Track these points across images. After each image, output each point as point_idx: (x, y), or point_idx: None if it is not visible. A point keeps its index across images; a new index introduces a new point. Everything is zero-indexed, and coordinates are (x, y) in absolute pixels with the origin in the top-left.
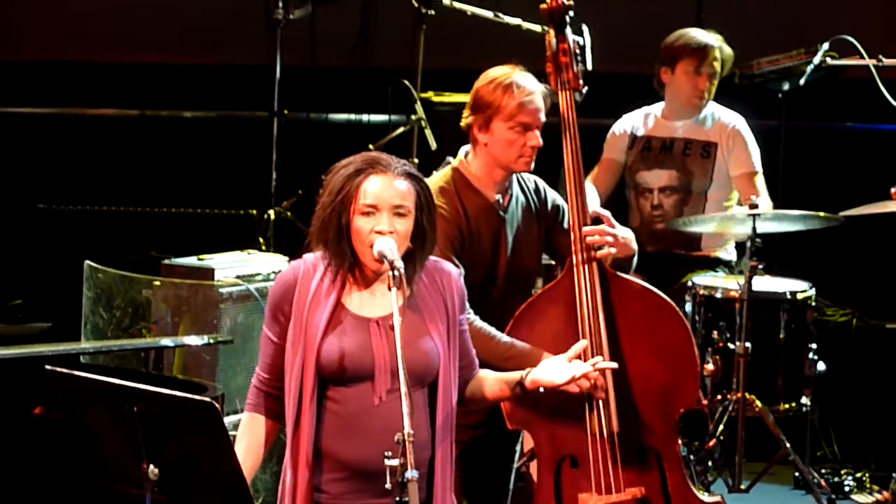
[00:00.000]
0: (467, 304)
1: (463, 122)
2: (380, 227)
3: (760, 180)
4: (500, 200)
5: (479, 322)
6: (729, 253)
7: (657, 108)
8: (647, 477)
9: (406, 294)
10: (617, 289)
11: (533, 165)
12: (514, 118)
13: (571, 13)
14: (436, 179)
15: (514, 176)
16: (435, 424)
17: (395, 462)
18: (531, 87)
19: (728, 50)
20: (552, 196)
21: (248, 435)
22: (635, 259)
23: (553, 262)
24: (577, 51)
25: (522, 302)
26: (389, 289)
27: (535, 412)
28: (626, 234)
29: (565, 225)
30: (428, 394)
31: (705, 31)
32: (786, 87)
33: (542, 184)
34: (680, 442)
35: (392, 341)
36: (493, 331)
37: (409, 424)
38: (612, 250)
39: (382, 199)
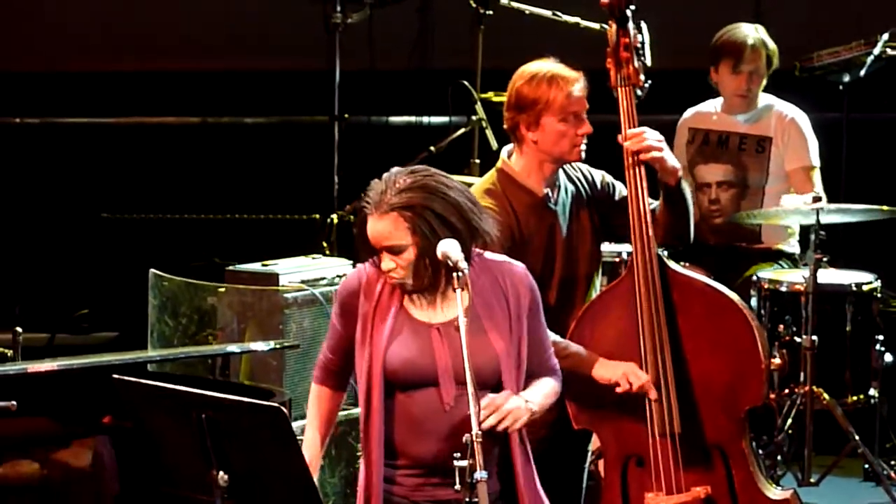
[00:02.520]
0: (540, 302)
1: (507, 124)
2: (383, 266)
3: (817, 175)
4: (550, 194)
5: None
6: (791, 245)
7: (718, 102)
8: (713, 475)
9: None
10: (679, 286)
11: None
12: (565, 110)
13: (633, 7)
14: (481, 182)
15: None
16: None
17: (464, 463)
18: (572, 76)
19: (771, 45)
20: (599, 176)
21: (316, 405)
22: (684, 185)
23: (616, 260)
24: (639, 46)
25: (582, 297)
26: (454, 290)
27: (600, 412)
28: (668, 154)
29: (616, 197)
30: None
31: (749, 26)
32: (846, 78)
33: (585, 167)
34: (746, 439)
35: (453, 347)
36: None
37: (476, 426)
38: (658, 154)
39: (374, 242)
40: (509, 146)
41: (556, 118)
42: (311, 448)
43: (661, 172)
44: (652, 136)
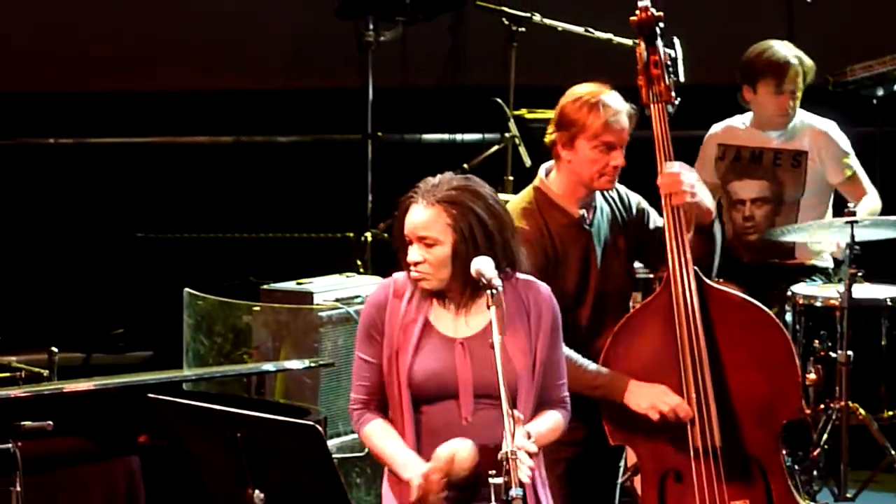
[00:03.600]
0: (560, 325)
1: (547, 138)
2: (410, 258)
3: (862, 176)
4: (585, 215)
5: (566, 349)
6: (825, 260)
7: (747, 118)
8: (751, 490)
9: (487, 314)
10: (715, 301)
11: (615, 184)
12: (598, 137)
13: (662, 25)
14: (517, 200)
15: None
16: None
17: (500, 480)
18: (617, 107)
19: (808, 62)
20: (635, 200)
21: (383, 433)
22: (716, 227)
23: (651, 276)
24: (669, 62)
25: (615, 318)
26: (488, 307)
27: (636, 427)
28: (704, 193)
29: (650, 226)
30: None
31: (782, 45)
32: (880, 92)
33: (623, 189)
34: (784, 452)
35: (475, 362)
36: (580, 359)
37: (511, 444)
38: (691, 200)
39: (410, 230)
40: (548, 164)
41: (590, 143)
42: (415, 460)
43: (698, 213)
44: (687, 180)
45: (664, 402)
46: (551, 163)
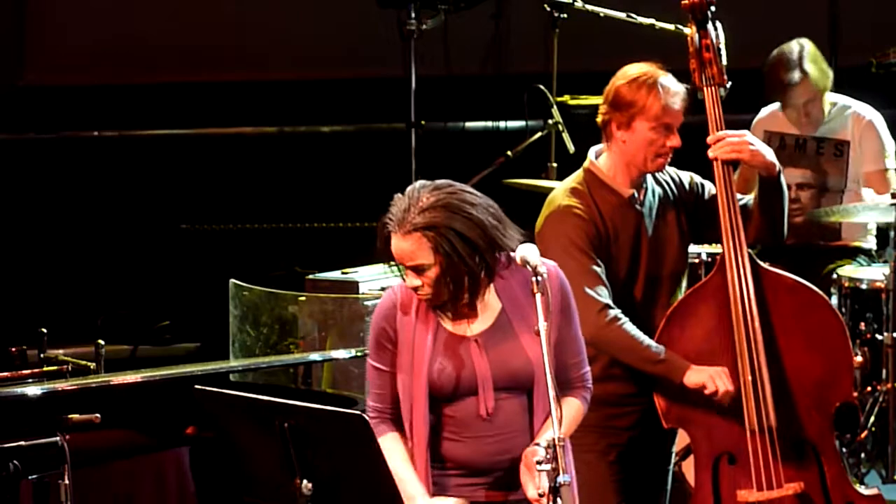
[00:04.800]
0: (573, 302)
1: (600, 118)
2: (408, 283)
3: (893, 176)
4: (636, 195)
5: (628, 325)
6: (869, 242)
7: None
8: (805, 472)
9: (495, 305)
10: (769, 283)
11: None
12: (658, 119)
13: (713, 7)
14: (567, 182)
15: None
16: (533, 428)
17: (548, 467)
18: (675, 88)
19: (815, 72)
20: (687, 177)
21: (397, 449)
22: (783, 179)
23: (696, 261)
24: (721, 46)
25: (668, 298)
26: (533, 294)
27: (691, 409)
28: (761, 146)
29: (706, 196)
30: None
31: (793, 54)
32: None
33: (673, 170)
34: (834, 435)
35: (492, 357)
36: (641, 335)
37: (559, 431)
38: (742, 154)
39: (398, 259)
40: (597, 147)
41: (649, 124)
42: (420, 494)
43: (759, 166)
44: (738, 138)
45: (722, 374)
46: (601, 146)
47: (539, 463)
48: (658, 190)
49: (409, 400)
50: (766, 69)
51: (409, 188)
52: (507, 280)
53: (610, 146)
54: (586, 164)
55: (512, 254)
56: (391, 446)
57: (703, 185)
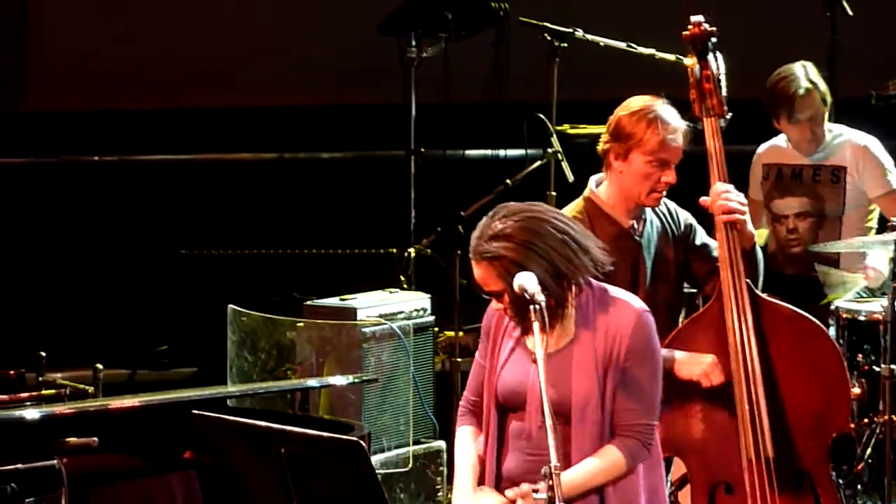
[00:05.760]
0: (652, 349)
1: (600, 147)
2: (493, 306)
3: None
4: (636, 226)
5: None
6: None
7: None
8: (802, 501)
9: (570, 331)
10: (767, 313)
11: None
12: (655, 153)
13: (714, 39)
14: (568, 210)
15: None
16: (570, 459)
17: (544, 496)
18: (675, 124)
19: (822, 85)
20: (684, 216)
21: (466, 443)
22: (757, 250)
23: (693, 291)
24: (721, 77)
25: (664, 329)
26: (531, 322)
27: (687, 439)
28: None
29: (697, 242)
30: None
31: (800, 71)
32: None
33: (672, 205)
34: (830, 466)
35: (547, 377)
36: None
37: (555, 458)
38: (740, 217)
39: (479, 283)
40: (598, 175)
41: (645, 158)
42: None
43: (740, 238)
44: (735, 199)
45: (715, 368)
46: (601, 175)
47: (535, 492)
48: (657, 224)
49: (487, 398)
50: (770, 86)
51: (493, 210)
52: (592, 310)
53: (609, 176)
54: (587, 192)
55: (607, 288)
56: (462, 438)
57: (696, 230)
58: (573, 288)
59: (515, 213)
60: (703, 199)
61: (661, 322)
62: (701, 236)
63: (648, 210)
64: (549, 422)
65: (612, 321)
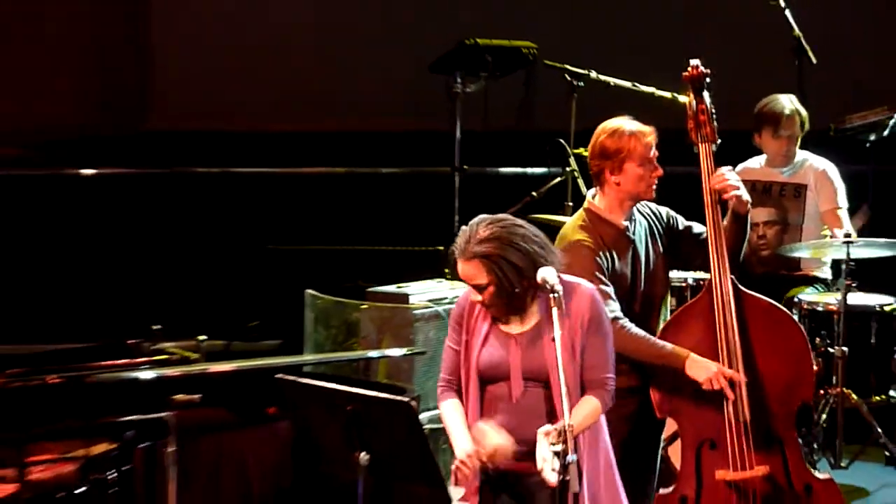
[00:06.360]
0: (603, 318)
1: (593, 170)
2: (472, 298)
3: (844, 214)
4: (629, 226)
5: (634, 329)
6: (824, 272)
7: (762, 159)
8: (772, 457)
9: (536, 314)
10: (748, 304)
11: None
12: (642, 157)
13: (709, 80)
14: (573, 219)
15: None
16: (549, 416)
17: (559, 448)
18: (647, 129)
19: (804, 112)
20: (665, 211)
21: (455, 410)
22: (748, 218)
23: (683, 284)
24: (713, 110)
25: (658, 313)
26: (551, 308)
27: (681, 404)
28: (742, 189)
29: (680, 227)
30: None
31: (785, 97)
32: (872, 137)
33: (653, 205)
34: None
35: (525, 353)
36: (648, 336)
37: (569, 417)
38: (738, 193)
39: (463, 279)
40: (592, 190)
41: (636, 164)
42: (465, 440)
43: (736, 203)
44: (731, 177)
45: (719, 377)
46: (594, 189)
47: (553, 445)
48: (644, 222)
49: (466, 376)
50: (760, 107)
51: (472, 221)
52: (546, 296)
53: (604, 189)
54: (586, 204)
55: (566, 278)
56: (451, 409)
57: (676, 218)
58: None
59: (496, 221)
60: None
61: (656, 306)
62: (682, 221)
63: (636, 212)
64: (563, 389)
65: (572, 301)
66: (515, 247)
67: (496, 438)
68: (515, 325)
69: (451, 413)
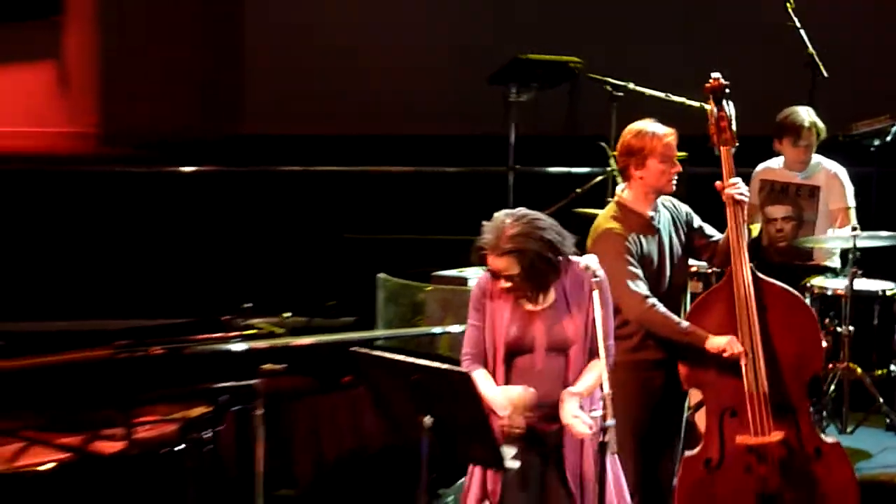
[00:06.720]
0: (607, 292)
1: (621, 165)
2: (502, 284)
3: (852, 213)
4: (654, 217)
5: (663, 308)
6: (834, 262)
7: (780, 160)
8: (787, 424)
9: (553, 293)
10: (765, 289)
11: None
12: (663, 154)
13: (728, 90)
14: (605, 212)
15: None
16: (567, 381)
17: (598, 413)
18: (667, 130)
19: (820, 124)
20: (685, 207)
21: (486, 378)
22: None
23: (709, 271)
24: (732, 117)
25: (681, 294)
26: (592, 290)
27: (705, 377)
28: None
29: (695, 225)
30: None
31: (804, 110)
32: (876, 142)
33: (675, 200)
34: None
35: (547, 327)
36: (673, 315)
37: (608, 387)
38: (745, 200)
39: (495, 271)
40: (622, 185)
41: (658, 160)
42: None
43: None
44: (743, 188)
45: (735, 345)
46: (623, 184)
47: (592, 411)
48: (667, 214)
49: (493, 350)
50: (782, 118)
51: (495, 217)
52: (565, 275)
53: (630, 183)
54: (616, 197)
55: (572, 258)
56: (482, 377)
57: (693, 216)
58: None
59: (519, 217)
60: (717, 183)
61: (680, 289)
62: (698, 220)
63: (660, 204)
64: (603, 358)
65: (576, 277)
66: (540, 238)
67: (519, 392)
68: (536, 302)
69: (483, 380)
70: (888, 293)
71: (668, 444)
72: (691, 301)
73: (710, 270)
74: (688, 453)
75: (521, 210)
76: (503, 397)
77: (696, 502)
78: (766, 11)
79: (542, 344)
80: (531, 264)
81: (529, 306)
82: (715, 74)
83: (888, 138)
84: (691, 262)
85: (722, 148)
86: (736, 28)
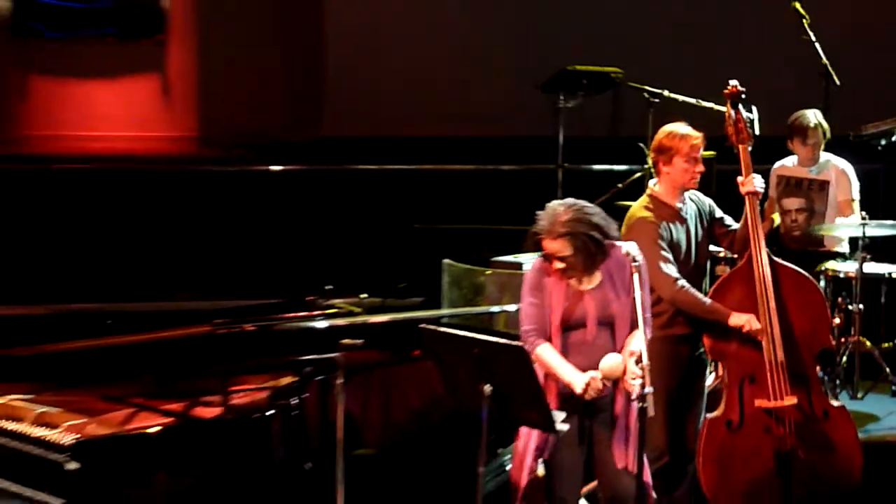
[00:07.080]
0: (644, 270)
1: (651, 160)
2: (556, 265)
3: (856, 205)
4: (682, 208)
5: (692, 290)
6: (843, 248)
7: (794, 158)
8: (799, 390)
9: (598, 273)
10: (780, 272)
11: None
12: (688, 155)
13: (744, 96)
14: (639, 203)
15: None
16: (616, 348)
17: (638, 381)
18: (694, 134)
19: (825, 124)
20: (707, 200)
21: (552, 351)
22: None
23: (735, 256)
24: (748, 119)
25: (702, 272)
26: (632, 274)
27: (727, 348)
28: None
29: (717, 215)
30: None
31: (813, 113)
32: (883, 142)
33: (701, 194)
34: (818, 368)
35: (597, 304)
36: (701, 295)
37: (647, 358)
38: (760, 191)
39: (550, 254)
40: (653, 180)
41: (683, 159)
42: (574, 371)
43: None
44: (759, 183)
45: (753, 322)
46: (654, 179)
47: (631, 377)
48: (693, 206)
49: (551, 326)
50: (792, 121)
51: (548, 206)
52: (608, 257)
53: (660, 178)
54: (648, 191)
55: (616, 243)
56: (549, 350)
57: (714, 207)
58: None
59: (570, 205)
60: (739, 179)
61: (703, 272)
62: (719, 212)
63: (687, 197)
64: (641, 329)
65: (618, 259)
66: (589, 223)
67: (614, 363)
68: (585, 282)
69: (550, 353)
70: (894, 275)
71: (691, 408)
72: (710, 283)
73: (735, 256)
74: (710, 416)
75: (571, 199)
76: (574, 371)
77: (720, 460)
78: (786, 26)
79: (594, 318)
80: (582, 245)
81: (580, 286)
82: (733, 82)
83: (894, 138)
84: (720, 248)
85: (739, 146)
86: (758, 41)
